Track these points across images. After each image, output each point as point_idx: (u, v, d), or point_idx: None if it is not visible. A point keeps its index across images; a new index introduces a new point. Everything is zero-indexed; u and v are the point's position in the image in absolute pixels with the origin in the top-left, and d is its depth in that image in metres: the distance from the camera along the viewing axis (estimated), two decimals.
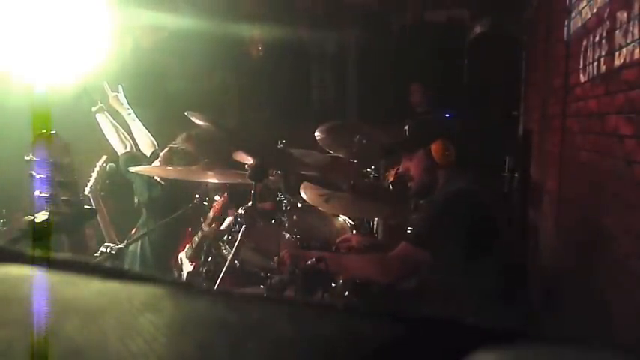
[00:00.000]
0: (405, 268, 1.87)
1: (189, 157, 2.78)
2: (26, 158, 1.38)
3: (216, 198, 2.82)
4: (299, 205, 2.85)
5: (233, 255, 2.09)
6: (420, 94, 4.94)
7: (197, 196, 2.83)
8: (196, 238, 2.85)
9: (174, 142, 2.85)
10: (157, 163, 2.79)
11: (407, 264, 1.86)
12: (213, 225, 2.79)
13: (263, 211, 2.83)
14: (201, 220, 2.88)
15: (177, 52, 5.03)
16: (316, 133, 3.10)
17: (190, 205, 2.85)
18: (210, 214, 2.83)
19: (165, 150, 2.79)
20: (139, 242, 2.80)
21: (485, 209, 1.89)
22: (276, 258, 2.15)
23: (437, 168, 1.94)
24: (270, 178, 2.97)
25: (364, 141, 2.94)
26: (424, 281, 2.04)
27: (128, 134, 2.99)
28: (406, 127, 2.06)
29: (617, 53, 2.08)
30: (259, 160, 2.17)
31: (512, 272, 1.99)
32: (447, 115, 4.44)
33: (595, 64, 2.44)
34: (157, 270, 2.74)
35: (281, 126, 4.93)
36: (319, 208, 2.65)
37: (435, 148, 1.91)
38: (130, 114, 3.01)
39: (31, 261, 0.35)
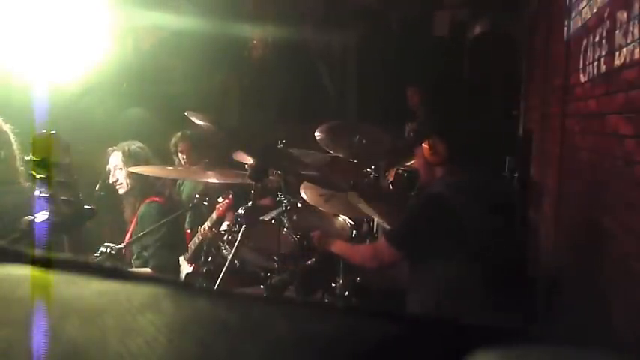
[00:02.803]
0: (375, 262, 2.10)
1: (143, 154, 2.70)
2: (26, 158, 1.38)
3: (220, 200, 2.80)
4: (299, 205, 2.85)
5: (233, 255, 2.09)
6: (418, 96, 4.95)
7: (197, 195, 2.82)
8: (196, 240, 2.84)
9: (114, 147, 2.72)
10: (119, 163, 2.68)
11: (378, 259, 2.08)
12: (214, 228, 2.78)
13: (262, 208, 2.82)
14: (207, 223, 2.86)
15: (177, 53, 5.03)
16: (316, 133, 3.10)
17: (190, 205, 2.84)
18: (214, 215, 2.82)
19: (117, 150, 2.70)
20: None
21: (456, 215, 1.92)
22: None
23: (431, 165, 2.04)
24: (270, 178, 2.97)
25: (364, 141, 2.94)
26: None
27: None
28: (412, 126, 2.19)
29: (617, 53, 2.08)
30: (259, 160, 2.17)
31: (505, 275, 1.99)
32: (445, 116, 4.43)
33: (595, 64, 2.44)
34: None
35: (281, 126, 4.93)
36: (319, 208, 2.65)
37: (424, 147, 2.02)
38: None
39: (31, 261, 0.35)
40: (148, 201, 2.65)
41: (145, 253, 2.58)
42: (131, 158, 2.63)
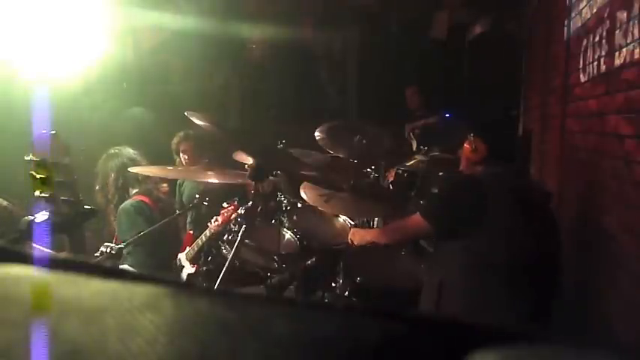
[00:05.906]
0: (410, 235, 2.26)
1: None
2: (26, 158, 1.39)
3: (225, 205, 2.80)
4: (299, 205, 2.85)
5: (233, 255, 2.09)
6: (417, 96, 4.95)
7: (197, 195, 2.82)
8: (199, 241, 2.83)
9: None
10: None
11: (414, 233, 2.23)
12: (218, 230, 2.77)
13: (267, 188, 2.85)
14: (211, 227, 2.86)
15: (178, 53, 5.03)
16: (316, 133, 3.10)
17: (190, 205, 2.84)
18: (220, 219, 2.82)
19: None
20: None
21: (489, 200, 1.99)
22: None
23: (473, 163, 2.16)
24: (270, 178, 2.96)
25: (364, 141, 2.94)
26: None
27: None
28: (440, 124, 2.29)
29: (617, 53, 2.08)
30: (259, 160, 2.17)
31: (524, 272, 1.99)
32: (447, 116, 4.44)
33: (595, 64, 2.44)
34: (156, 270, 2.72)
35: (281, 126, 4.93)
36: (319, 208, 2.65)
37: (466, 146, 2.16)
38: None
39: (31, 261, 0.35)
40: (132, 199, 2.69)
41: (124, 251, 2.61)
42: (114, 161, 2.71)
